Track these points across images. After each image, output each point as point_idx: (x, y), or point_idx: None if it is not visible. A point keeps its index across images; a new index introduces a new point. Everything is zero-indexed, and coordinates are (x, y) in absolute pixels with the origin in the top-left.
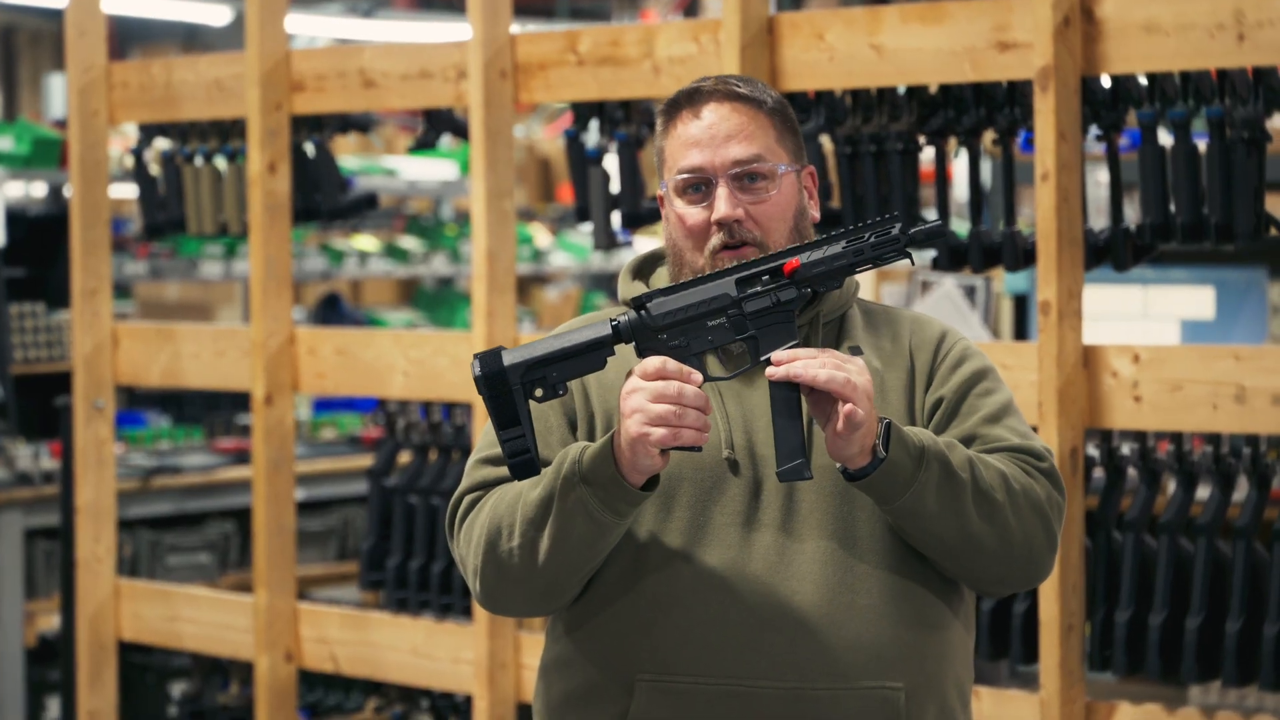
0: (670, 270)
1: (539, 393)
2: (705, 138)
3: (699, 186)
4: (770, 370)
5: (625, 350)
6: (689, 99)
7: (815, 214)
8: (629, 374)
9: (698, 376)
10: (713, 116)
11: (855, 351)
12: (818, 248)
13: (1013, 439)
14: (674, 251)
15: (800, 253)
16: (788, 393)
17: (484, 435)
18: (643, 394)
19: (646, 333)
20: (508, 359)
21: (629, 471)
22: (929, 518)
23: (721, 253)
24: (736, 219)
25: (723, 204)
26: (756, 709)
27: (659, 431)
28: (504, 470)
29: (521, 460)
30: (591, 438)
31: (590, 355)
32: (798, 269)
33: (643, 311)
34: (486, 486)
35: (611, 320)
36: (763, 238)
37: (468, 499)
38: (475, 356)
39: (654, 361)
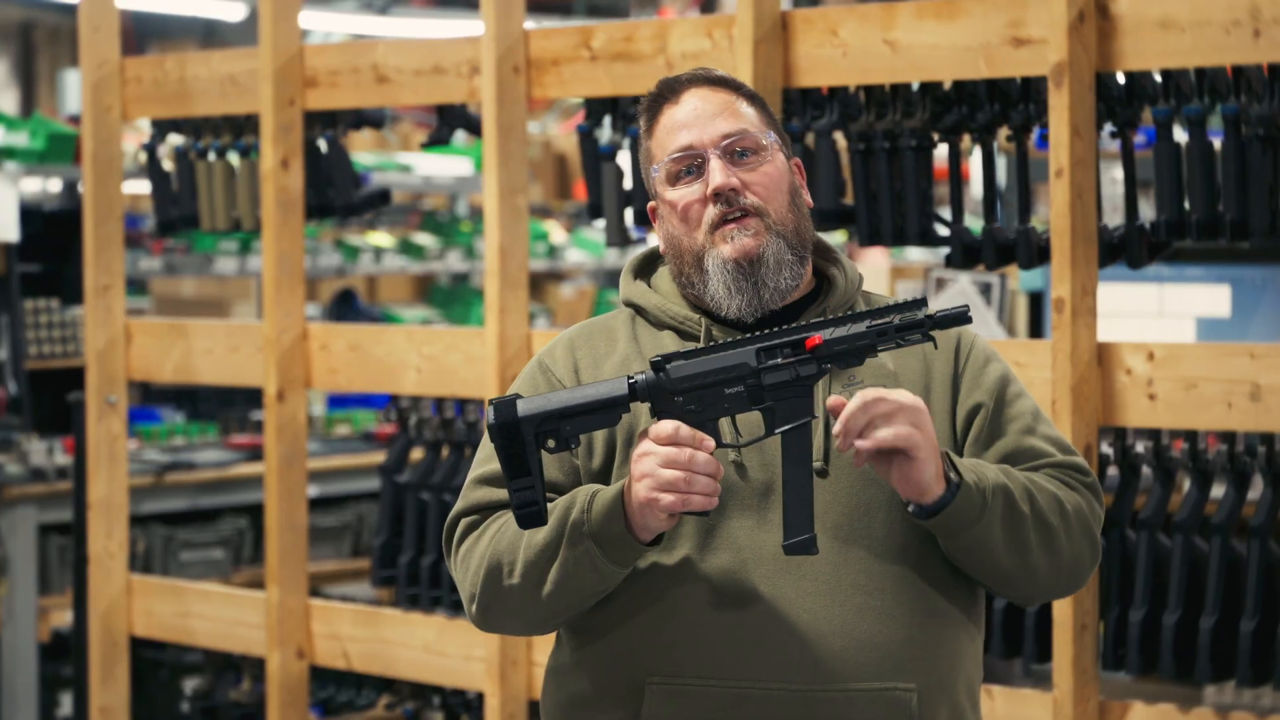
0: (671, 267)
1: (551, 444)
2: (690, 119)
3: (690, 169)
4: (843, 446)
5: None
6: (669, 89)
7: (809, 200)
8: (642, 434)
9: (710, 443)
10: (694, 100)
11: (852, 381)
12: (841, 324)
13: (1056, 453)
14: (672, 245)
15: (824, 329)
16: (801, 467)
17: (481, 450)
18: (654, 459)
19: (663, 394)
20: (522, 409)
21: (637, 529)
22: (994, 549)
23: (723, 226)
24: (732, 187)
25: (717, 174)
26: (768, 711)
27: (668, 498)
28: (499, 493)
29: (529, 512)
30: (590, 455)
31: (605, 412)
32: (819, 345)
33: (661, 373)
34: (482, 510)
35: (629, 379)
36: (763, 205)
37: (464, 522)
38: (490, 403)
39: (667, 426)
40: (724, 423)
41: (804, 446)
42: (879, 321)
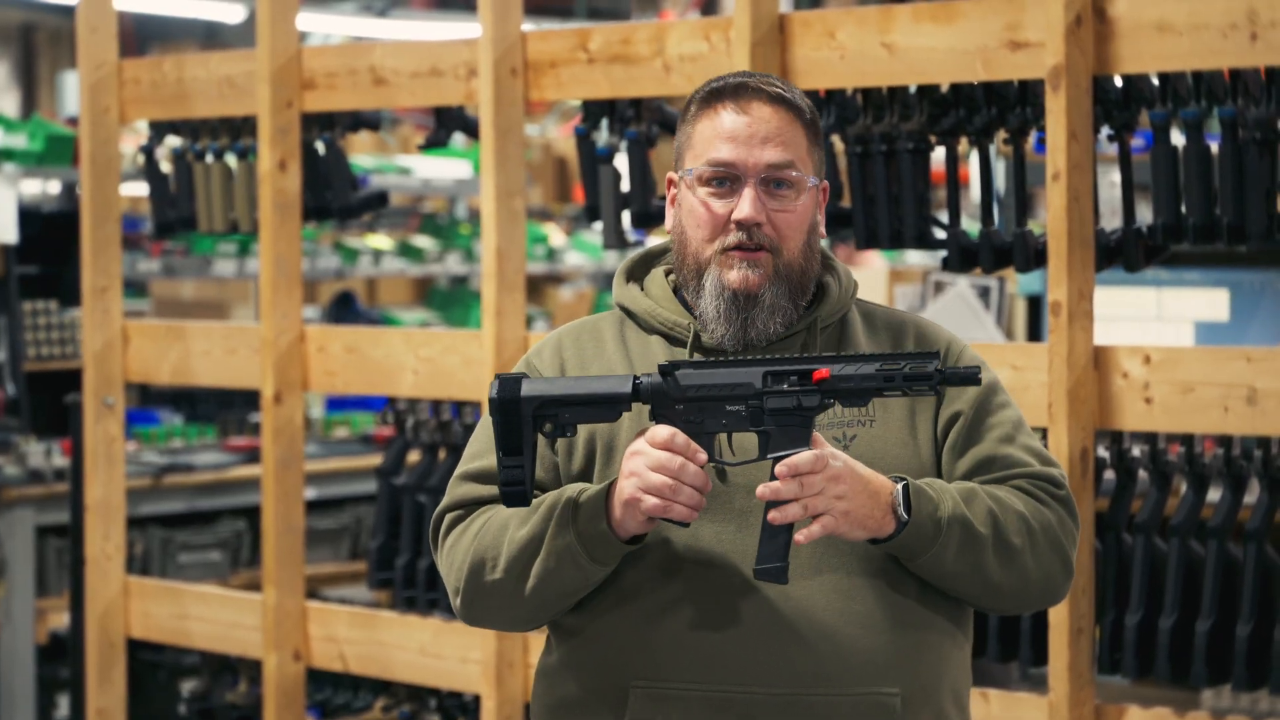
0: (674, 258)
1: (548, 428)
2: (743, 134)
3: (724, 181)
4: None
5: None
6: (734, 92)
7: (822, 230)
8: (638, 434)
9: (702, 456)
10: (754, 115)
11: (845, 440)
12: (851, 363)
13: (1032, 463)
14: (680, 240)
15: (834, 364)
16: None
17: (470, 446)
18: (644, 459)
19: (665, 399)
20: (526, 389)
21: (616, 527)
22: (950, 574)
23: (734, 251)
24: (758, 222)
25: (747, 205)
26: (751, 715)
27: (651, 501)
28: (485, 489)
29: (514, 491)
30: (570, 457)
31: (606, 407)
32: (826, 379)
33: (668, 379)
34: (466, 505)
35: (635, 378)
36: (780, 244)
37: (449, 517)
38: (496, 377)
39: (664, 431)
40: (719, 439)
41: None
42: (889, 367)
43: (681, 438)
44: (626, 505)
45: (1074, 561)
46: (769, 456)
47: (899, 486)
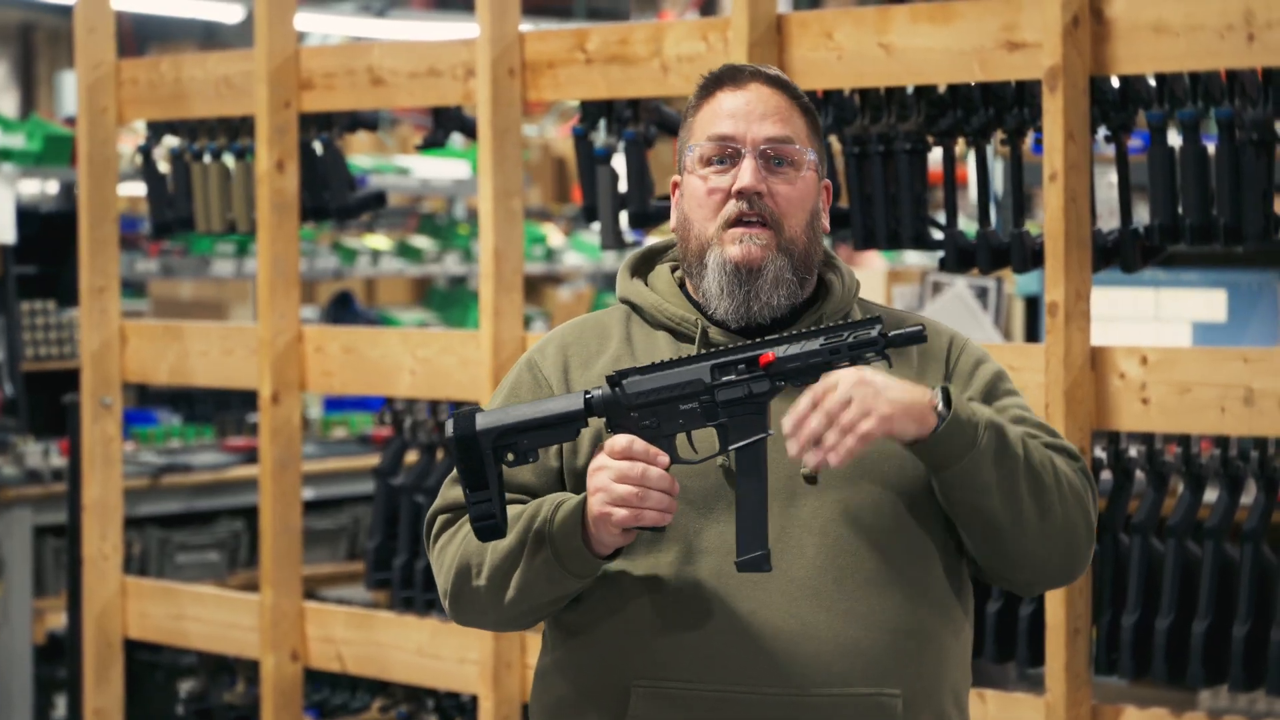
0: (679, 250)
1: (510, 458)
2: (742, 110)
3: (724, 159)
4: (803, 464)
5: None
6: (731, 76)
7: (826, 224)
8: (598, 448)
9: (664, 459)
10: (751, 93)
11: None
12: (795, 342)
13: (1045, 436)
14: (683, 226)
15: (777, 345)
16: (755, 483)
17: None
18: (607, 473)
19: (618, 409)
20: (480, 423)
21: (594, 543)
22: (983, 488)
23: (735, 227)
24: (758, 191)
25: (747, 174)
26: (753, 715)
27: (620, 512)
28: None
29: (486, 525)
30: (575, 453)
31: (561, 427)
32: (773, 362)
33: (617, 389)
34: (456, 509)
35: (586, 394)
36: (780, 218)
37: (440, 519)
38: (450, 416)
39: (621, 440)
40: (682, 438)
41: (758, 462)
42: (833, 340)
43: (640, 444)
44: (598, 521)
45: (1094, 529)
46: (731, 448)
47: (936, 389)
